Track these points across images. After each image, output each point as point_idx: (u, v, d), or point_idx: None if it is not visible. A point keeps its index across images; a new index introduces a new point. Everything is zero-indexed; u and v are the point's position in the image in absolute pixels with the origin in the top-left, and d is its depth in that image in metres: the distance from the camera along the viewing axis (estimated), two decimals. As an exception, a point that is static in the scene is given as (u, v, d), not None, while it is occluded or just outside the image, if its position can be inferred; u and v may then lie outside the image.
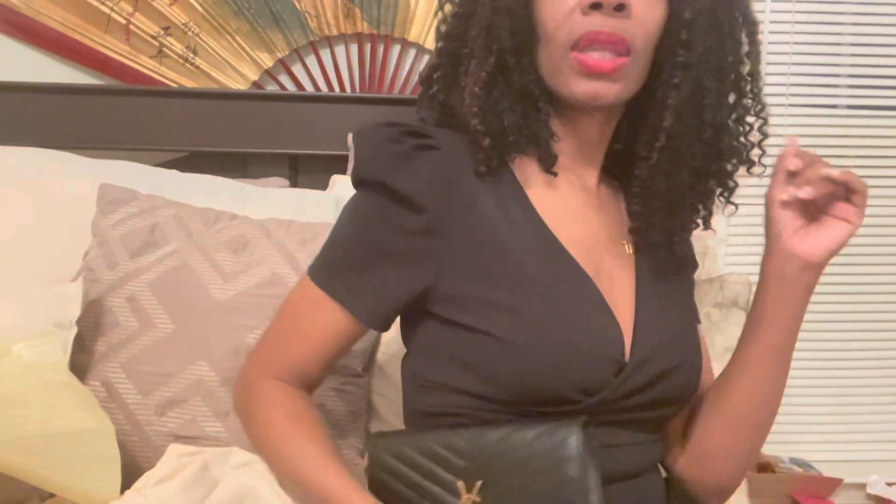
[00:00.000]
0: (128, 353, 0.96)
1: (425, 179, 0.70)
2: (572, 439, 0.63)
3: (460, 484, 0.64)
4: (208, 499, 0.79)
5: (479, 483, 0.64)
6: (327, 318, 0.73)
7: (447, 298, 0.71)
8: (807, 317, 1.88)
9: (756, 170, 0.79)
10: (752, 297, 1.33)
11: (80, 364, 0.95)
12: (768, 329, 0.75)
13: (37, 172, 1.19)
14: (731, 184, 0.79)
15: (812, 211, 0.72)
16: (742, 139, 0.77)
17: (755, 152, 0.79)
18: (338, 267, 0.73)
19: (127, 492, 0.83)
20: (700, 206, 0.79)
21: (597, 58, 0.68)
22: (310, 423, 0.73)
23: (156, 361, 0.95)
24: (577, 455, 0.62)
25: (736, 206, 0.80)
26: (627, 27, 0.67)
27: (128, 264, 1.01)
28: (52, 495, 0.81)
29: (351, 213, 0.75)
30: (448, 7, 0.79)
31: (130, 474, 0.87)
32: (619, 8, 0.66)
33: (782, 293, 0.74)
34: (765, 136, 0.78)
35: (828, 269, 1.94)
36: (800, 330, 0.76)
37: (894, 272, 1.76)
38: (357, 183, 0.76)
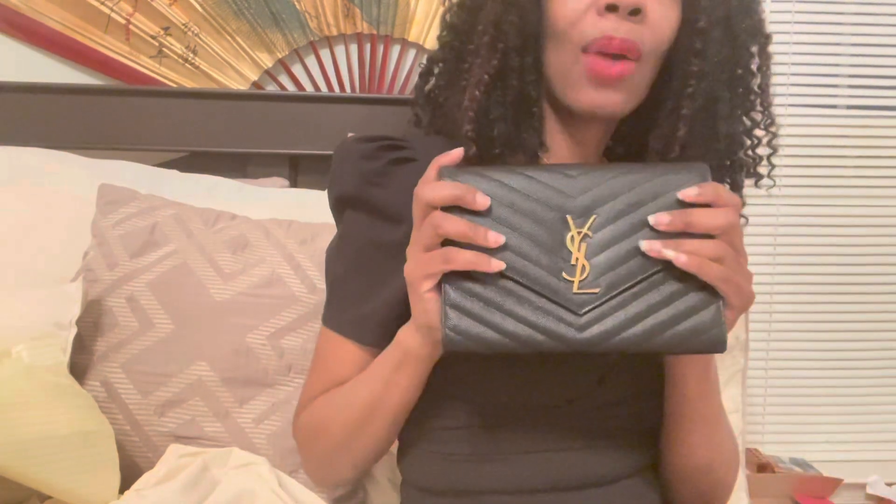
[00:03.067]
0: (127, 353, 0.96)
1: (402, 192, 0.69)
2: (707, 175, 0.58)
3: (568, 218, 0.58)
4: (208, 500, 0.80)
5: (593, 217, 0.58)
6: (350, 356, 0.74)
7: None
8: (807, 316, 1.89)
9: (765, 182, 0.78)
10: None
11: (80, 364, 0.95)
12: (674, 389, 0.71)
13: (37, 172, 1.19)
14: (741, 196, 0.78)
15: None
16: (750, 152, 0.76)
17: (763, 165, 0.77)
18: (341, 305, 0.75)
19: (126, 492, 0.83)
20: None
21: (607, 63, 0.66)
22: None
23: (155, 361, 0.95)
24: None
25: (746, 219, 0.79)
26: (640, 32, 0.66)
27: (127, 264, 1.01)
28: (50, 496, 0.81)
29: (336, 247, 0.77)
30: None
31: (130, 475, 0.87)
32: (635, 12, 0.65)
33: (673, 385, 0.70)
34: (774, 150, 0.77)
35: (828, 268, 1.93)
36: (708, 401, 0.70)
37: (894, 272, 1.76)
38: (337, 202, 0.76)
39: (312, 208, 1.20)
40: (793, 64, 1.69)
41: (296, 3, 1.40)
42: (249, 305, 0.98)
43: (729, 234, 0.57)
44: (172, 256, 1.02)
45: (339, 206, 0.77)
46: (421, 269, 0.58)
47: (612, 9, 0.65)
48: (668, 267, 0.57)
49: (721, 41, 0.69)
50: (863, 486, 1.74)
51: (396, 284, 0.71)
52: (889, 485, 1.73)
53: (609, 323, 0.57)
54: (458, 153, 0.60)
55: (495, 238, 0.56)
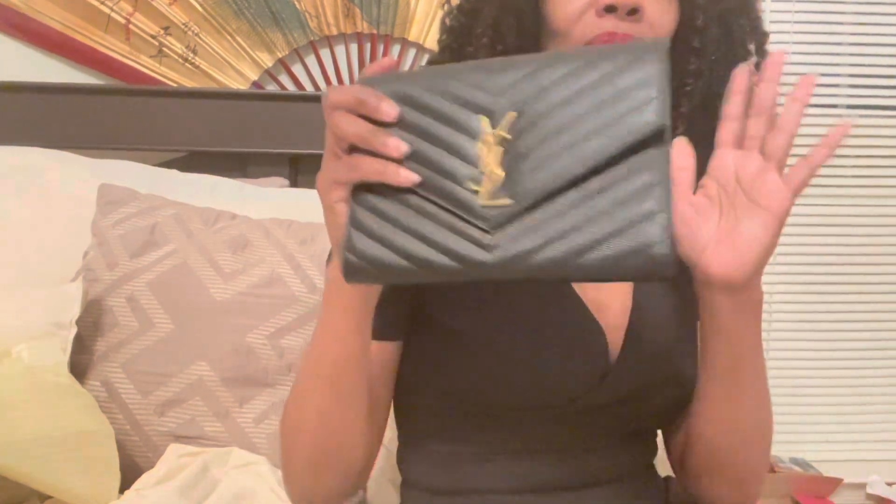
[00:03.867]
0: (127, 353, 0.96)
1: None
2: (660, 69, 0.47)
3: (482, 119, 0.49)
4: (208, 500, 0.80)
5: (510, 114, 0.49)
6: None
7: (428, 297, 0.71)
8: (807, 316, 1.88)
9: None
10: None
11: (80, 364, 0.95)
12: (712, 353, 0.63)
13: (37, 172, 1.19)
14: None
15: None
16: None
17: None
18: None
19: (126, 492, 0.83)
20: None
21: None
22: None
23: (156, 361, 0.95)
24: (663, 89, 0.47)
25: None
26: (639, 32, 0.66)
27: (127, 264, 1.01)
28: (50, 496, 0.81)
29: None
30: (454, 0, 0.78)
31: (130, 474, 0.87)
32: (633, 12, 0.65)
33: (713, 326, 0.61)
34: None
35: (828, 268, 1.92)
36: (757, 351, 0.61)
37: (894, 272, 1.76)
38: None
39: (312, 208, 1.19)
40: (793, 64, 1.69)
41: (296, 2, 1.40)
42: (249, 305, 0.98)
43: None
44: (172, 256, 1.02)
45: None
46: (327, 175, 0.52)
47: (610, 10, 0.65)
48: (603, 173, 0.47)
49: (718, 39, 0.69)
50: (863, 486, 1.74)
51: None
52: (889, 485, 1.73)
53: (525, 242, 0.47)
54: (388, 61, 0.53)
55: (396, 145, 0.49)
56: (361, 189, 0.50)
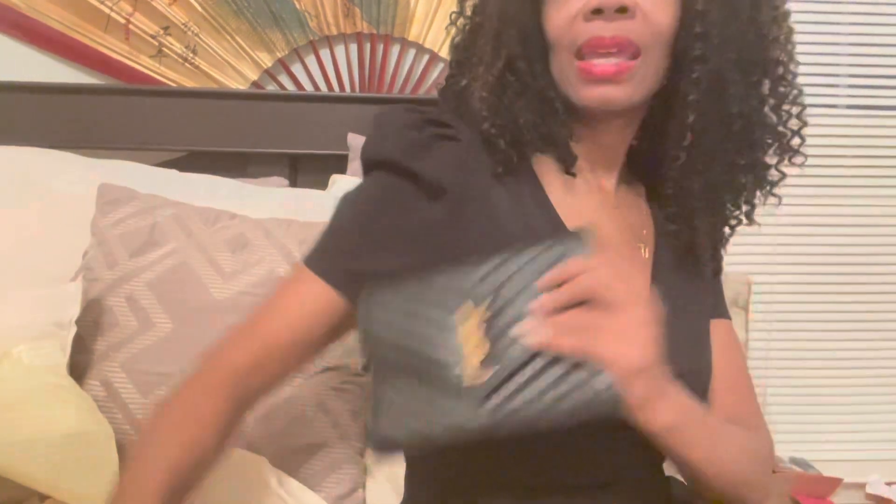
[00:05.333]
0: (127, 352, 0.96)
1: (443, 167, 0.69)
2: (586, 243, 0.60)
3: (468, 304, 0.60)
4: (208, 500, 0.79)
5: (487, 300, 0.60)
6: (314, 295, 0.69)
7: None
8: (807, 316, 1.87)
9: (798, 159, 0.76)
10: (751, 297, 1.33)
11: (80, 364, 0.95)
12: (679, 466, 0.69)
13: (37, 172, 1.19)
14: (771, 175, 0.76)
15: None
16: (781, 128, 0.74)
17: (795, 141, 0.75)
18: (333, 252, 0.70)
19: (126, 492, 0.82)
20: (740, 201, 0.77)
21: (601, 63, 0.66)
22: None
23: (155, 361, 0.95)
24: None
25: (780, 198, 0.77)
26: (633, 28, 0.66)
27: (127, 264, 1.01)
28: (50, 496, 0.81)
29: (355, 197, 0.73)
30: (460, 21, 0.79)
31: (130, 474, 0.86)
32: (622, 10, 0.65)
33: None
34: (804, 123, 0.75)
35: (828, 268, 1.92)
36: (710, 442, 0.66)
37: (894, 272, 1.76)
38: (371, 163, 0.73)
39: (312, 208, 1.20)
40: (793, 64, 1.69)
41: (295, 2, 1.40)
42: (249, 305, 0.98)
43: (599, 294, 0.58)
44: (172, 255, 1.02)
45: (373, 167, 0.74)
46: None
47: (597, 12, 0.65)
48: None
49: (723, 20, 0.67)
50: (863, 486, 1.74)
51: (400, 254, 0.68)
52: (889, 484, 1.73)
53: (508, 406, 0.57)
54: None
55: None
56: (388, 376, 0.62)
